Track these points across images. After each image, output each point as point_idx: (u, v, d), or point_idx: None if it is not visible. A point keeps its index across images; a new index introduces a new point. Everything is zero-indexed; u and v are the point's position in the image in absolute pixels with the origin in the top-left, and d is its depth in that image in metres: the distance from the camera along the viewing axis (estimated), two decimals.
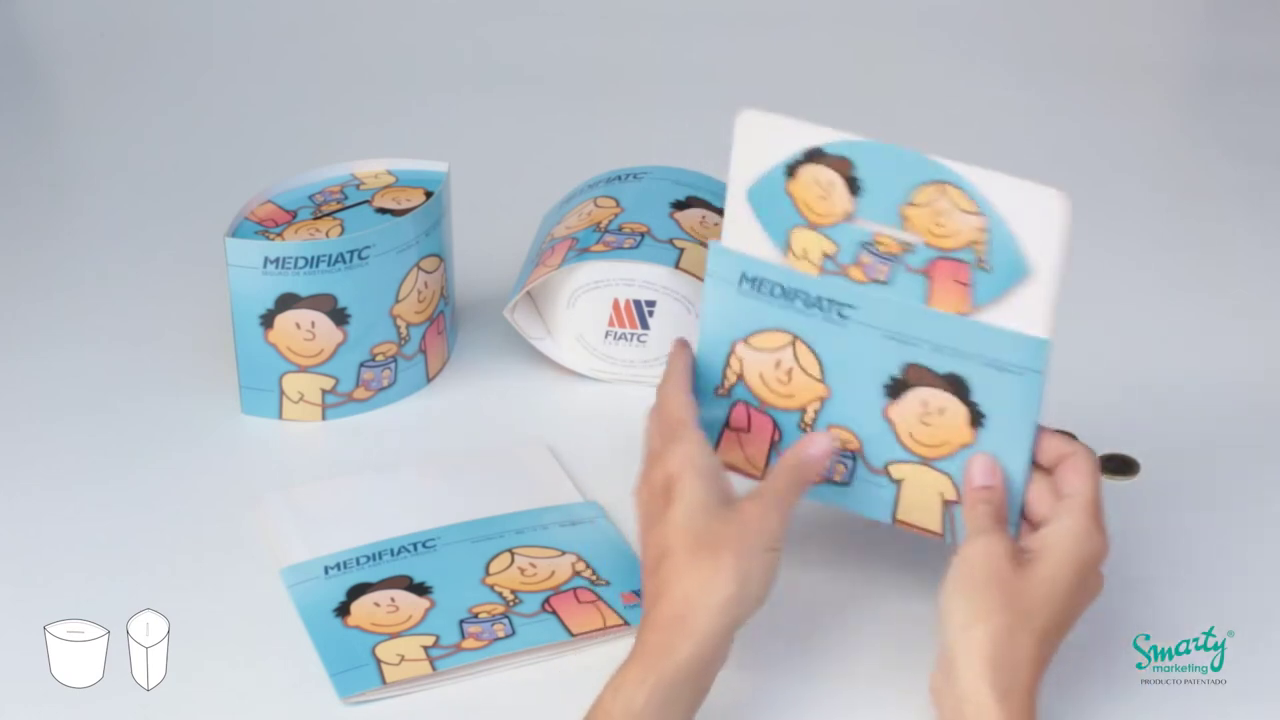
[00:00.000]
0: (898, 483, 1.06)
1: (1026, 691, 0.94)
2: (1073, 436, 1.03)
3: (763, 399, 1.08)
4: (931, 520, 1.07)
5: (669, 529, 0.99)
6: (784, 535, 1.00)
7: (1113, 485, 1.17)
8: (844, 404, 1.05)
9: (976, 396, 1.03)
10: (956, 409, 1.03)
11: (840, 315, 1.04)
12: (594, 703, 0.95)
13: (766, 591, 0.99)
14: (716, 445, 1.09)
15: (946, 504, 1.06)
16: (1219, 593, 1.09)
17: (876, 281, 1.03)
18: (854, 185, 1.04)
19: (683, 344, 1.08)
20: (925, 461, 1.05)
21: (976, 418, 1.04)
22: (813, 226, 1.04)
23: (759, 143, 1.05)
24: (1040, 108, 1.73)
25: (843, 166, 1.04)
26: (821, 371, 1.05)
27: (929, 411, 1.04)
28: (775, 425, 1.08)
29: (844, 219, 1.04)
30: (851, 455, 1.07)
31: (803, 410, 1.07)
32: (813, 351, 1.05)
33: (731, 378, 1.08)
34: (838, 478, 1.07)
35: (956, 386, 1.03)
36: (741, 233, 1.06)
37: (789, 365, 1.06)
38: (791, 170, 1.05)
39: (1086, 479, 1.00)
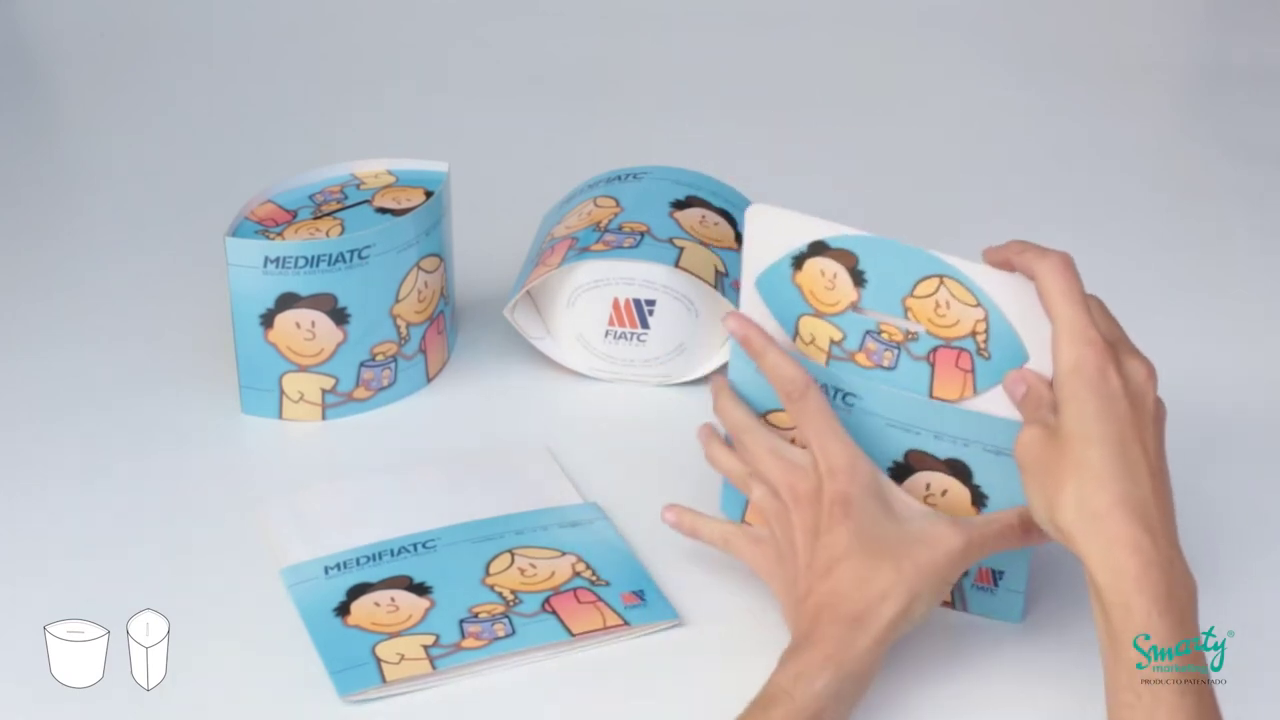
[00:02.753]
0: None
1: (1099, 518, 0.92)
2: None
3: None
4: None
5: (840, 541, 1.01)
6: (959, 575, 1.02)
7: None
8: None
9: (979, 479, 1.04)
10: (959, 490, 1.05)
11: (845, 402, 1.05)
12: (767, 683, 0.98)
13: (928, 615, 1.02)
14: (743, 518, 1.13)
15: None
16: (1219, 593, 1.09)
17: (881, 368, 1.05)
18: (858, 277, 1.05)
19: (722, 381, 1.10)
20: None
21: (979, 498, 1.05)
22: (820, 315, 1.06)
23: (767, 234, 1.07)
24: (1040, 108, 1.73)
25: (847, 259, 1.05)
26: None
27: (932, 494, 1.06)
28: None
29: (849, 308, 1.05)
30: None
31: None
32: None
33: None
34: None
35: (958, 471, 1.05)
36: (755, 318, 1.08)
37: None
38: (798, 262, 1.06)
39: (1051, 300, 0.97)
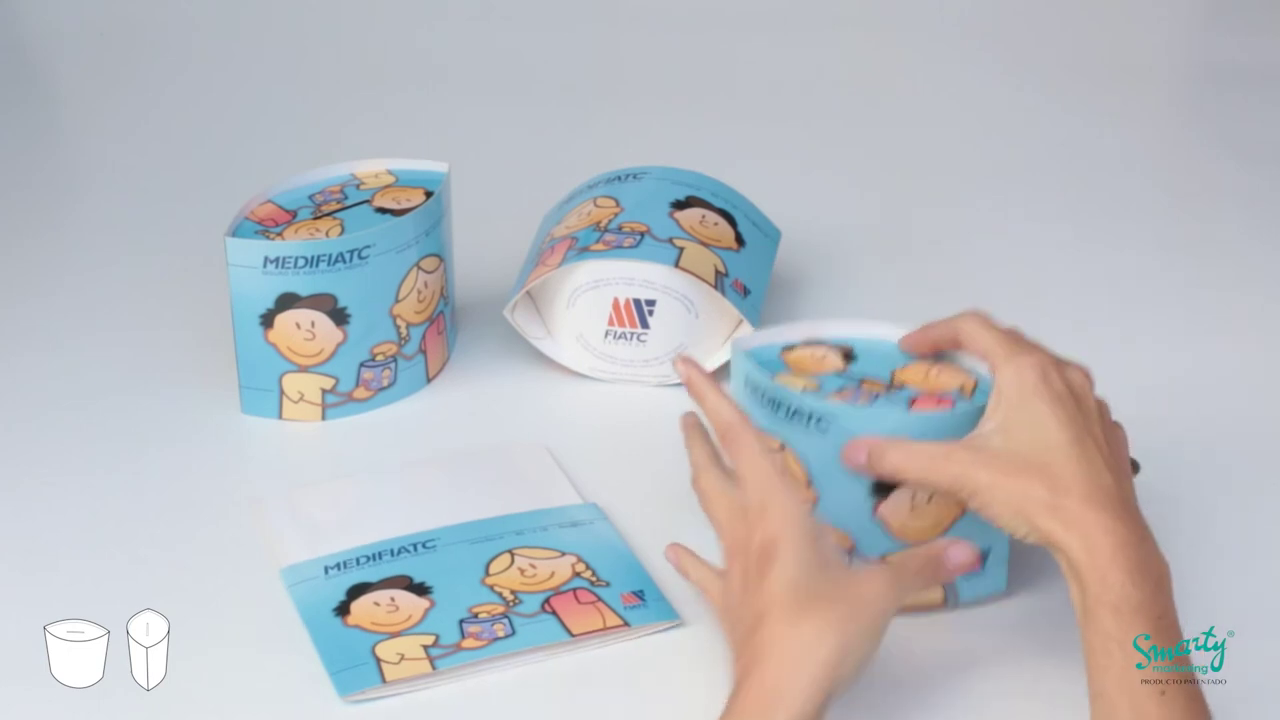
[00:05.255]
0: None
1: (1072, 514, 0.95)
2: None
3: None
4: (933, 594, 1.08)
5: (766, 592, 0.95)
6: (892, 619, 0.97)
7: None
8: (833, 506, 1.06)
9: None
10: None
11: (820, 428, 1.04)
12: None
13: (864, 669, 0.95)
14: None
15: None
16: (1219, 593, 1.09)
17: (855, 406, 1.06)
18: (850, 357, 1.10)
19: (693, 422, 1.07)
20: (921, 544, 1.06)
21: None
22: (799, 375, 1.09)
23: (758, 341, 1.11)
24: (1040, 108, 1.73)
25: (843, 348, 1.10)
26: (808, 478, 1.06)
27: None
28: None
29: (833, 372, 1.09)
30: (847, 553, 1.07)
31: None
32: (798, 458, 1.06)
33: None
34: None
35: None
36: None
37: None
38: (789, 348, 1.11)
39: (975, 341, 1.03)
